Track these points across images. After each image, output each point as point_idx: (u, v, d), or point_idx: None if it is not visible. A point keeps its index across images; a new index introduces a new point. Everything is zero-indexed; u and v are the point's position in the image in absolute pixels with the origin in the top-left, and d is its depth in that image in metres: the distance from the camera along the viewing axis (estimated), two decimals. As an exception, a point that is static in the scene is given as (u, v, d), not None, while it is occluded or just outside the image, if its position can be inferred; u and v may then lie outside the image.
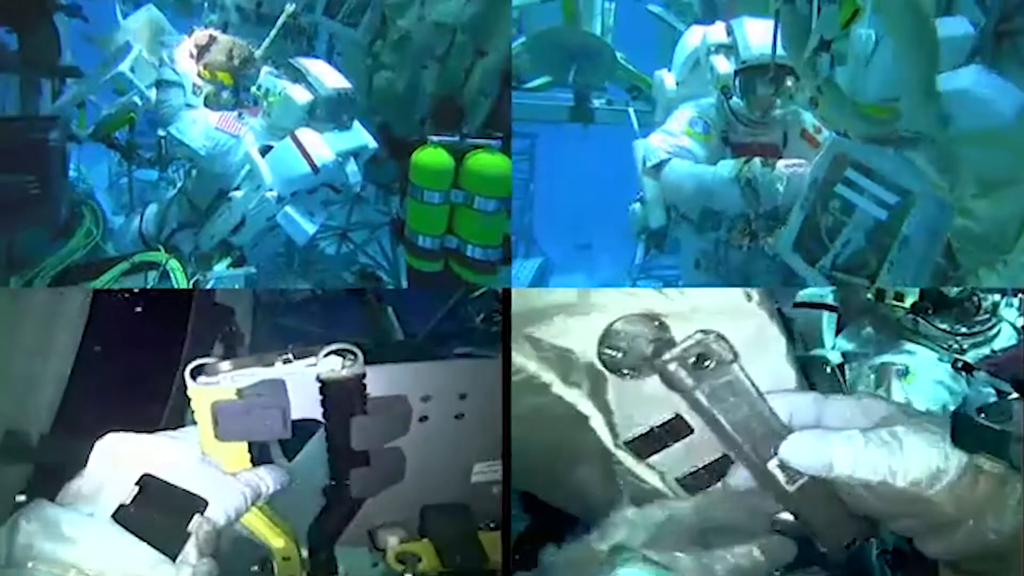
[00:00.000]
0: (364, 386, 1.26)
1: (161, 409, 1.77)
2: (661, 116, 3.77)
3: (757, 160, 3.21)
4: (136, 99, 3.58)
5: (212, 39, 3.82)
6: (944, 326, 2.71)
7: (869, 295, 2.75)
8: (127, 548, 1.02)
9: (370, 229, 5.30)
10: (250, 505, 1.18)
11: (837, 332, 3.06)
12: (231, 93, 3.82)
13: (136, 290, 2.16)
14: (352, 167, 4.02)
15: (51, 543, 0.99)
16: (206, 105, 3.77)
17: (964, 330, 2.71)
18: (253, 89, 3.88)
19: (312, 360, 1.22)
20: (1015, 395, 2.33)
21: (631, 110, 4.86)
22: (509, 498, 1.65)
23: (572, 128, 5.61)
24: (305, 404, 1.24)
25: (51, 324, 1.64)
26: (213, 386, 1.16)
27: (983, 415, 0.96)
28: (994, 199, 2.27)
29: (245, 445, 1.20)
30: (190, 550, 1.06)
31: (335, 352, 1.22)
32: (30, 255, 3.03)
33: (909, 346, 2.76)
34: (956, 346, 2.71)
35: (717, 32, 3.45)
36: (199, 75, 3.78)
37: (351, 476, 1.30)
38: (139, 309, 1.80)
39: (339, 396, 1.24)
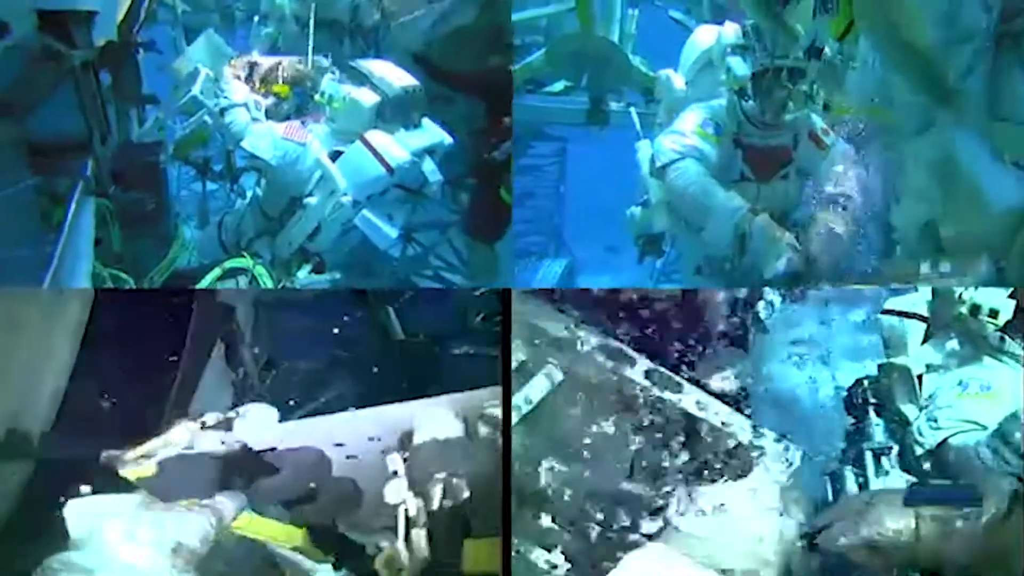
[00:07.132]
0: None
1: (161, 408, 1.80)
2: (664, 117, 3.65)
3: (764, 217, 3.10)
4: (207, 118, 3.77)
5: (252, 65, 3.91)
6: None
7: (963, 309, 2.72)
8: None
9: (440, 229, 4.96)
10: (215, 526, 1.49)
11: (923, 342, 3.00)
12: (290, 104, 3.90)
13: (136, 290, 2.25)
14: (430, 165, 3.92)
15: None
16: (268, 117, 3.87)
17: None
18: (316, 97, 3.92)
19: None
20: None
21: (633, 111, 4.67)
22: (509, 501, 1.67)
23: (597, 131, 5.55)
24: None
25: (52, 324, 1.69)
26: (134, 468, 1.44)
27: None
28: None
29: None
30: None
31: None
32: (144, 263, 3.31)
33: (990, 362, 2.70)
34: None
35: (732, 32, 3.31)
36: (255, 90, 3.89)
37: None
38: (139, 309, 1.84)
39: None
